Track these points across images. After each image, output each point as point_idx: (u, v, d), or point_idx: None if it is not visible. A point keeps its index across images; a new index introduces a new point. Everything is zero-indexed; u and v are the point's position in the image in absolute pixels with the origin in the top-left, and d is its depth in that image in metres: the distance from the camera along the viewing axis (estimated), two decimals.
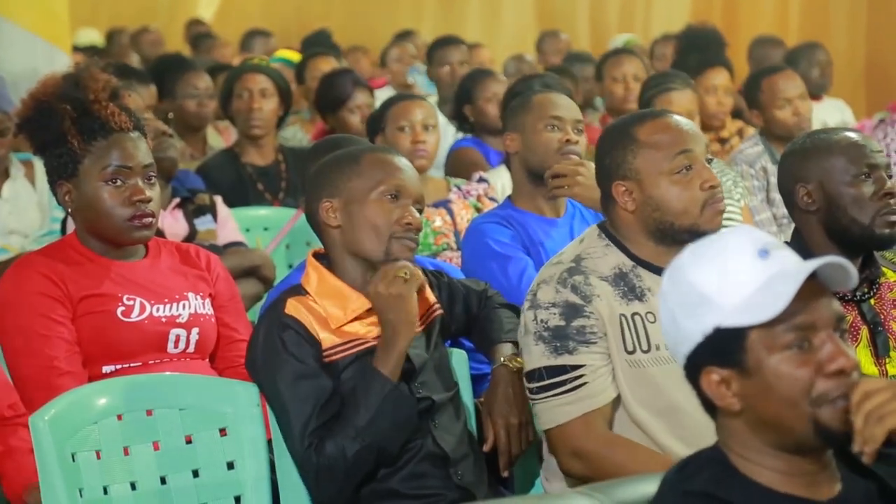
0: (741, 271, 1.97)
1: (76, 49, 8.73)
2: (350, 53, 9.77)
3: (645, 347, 2.89)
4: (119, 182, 3.18)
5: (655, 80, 5.48)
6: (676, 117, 3.01)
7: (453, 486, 2.97)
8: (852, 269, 1.98)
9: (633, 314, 2.90)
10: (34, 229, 5.04)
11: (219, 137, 6.67)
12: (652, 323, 2.89)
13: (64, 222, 4.50)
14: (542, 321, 2.91)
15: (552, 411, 2.91)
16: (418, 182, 3.04)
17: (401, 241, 2.96)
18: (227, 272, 3.43)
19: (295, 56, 7.97)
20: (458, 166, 5.52)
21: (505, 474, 3.11)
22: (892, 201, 3.11)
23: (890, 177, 3.14)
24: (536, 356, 2.92)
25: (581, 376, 2.87)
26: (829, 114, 7.34)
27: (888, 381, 1.94)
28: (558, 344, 2.89)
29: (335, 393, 2.90)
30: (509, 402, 3.06)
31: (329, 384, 2.89)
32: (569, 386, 2.88)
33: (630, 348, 2.89)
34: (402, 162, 3.03)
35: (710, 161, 2.99)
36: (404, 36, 10.29)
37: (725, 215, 4.64)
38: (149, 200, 3.19)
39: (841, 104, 7.83)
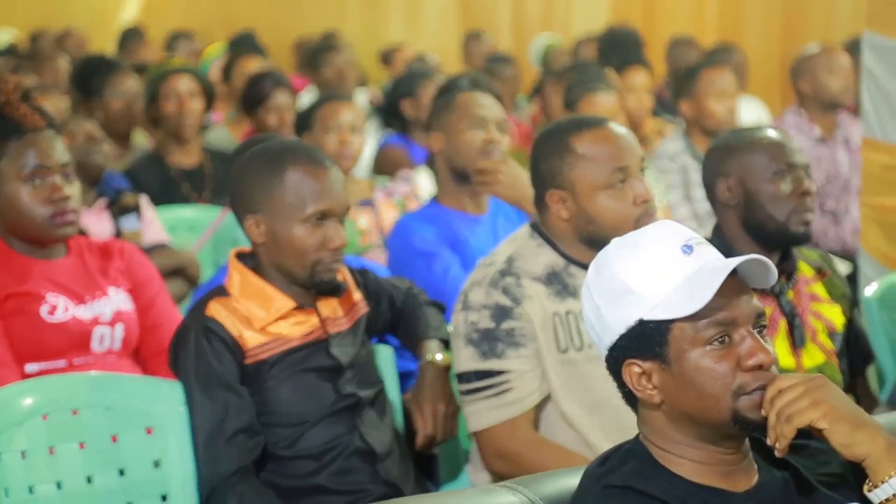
0: (665, 265, 2.01)
1: None
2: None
3: (578, 345, 2.92)
4: (38, 181, 3.17)
5: (577, 80, 5.46)
6: (614, 128, 2.99)
7: (380, 482, 2.99)
8: (772, 268, 2.02)
9: (567, 312, 2.93)
10: None
11: (144, 137, 6.61)
12: None
13: None
14: (472, 323, 2.93)
15: (479, 414, 2.94)
16: (343, 192, 2.98)
17: (326, 264, 2.96)
18: (142, 256, 3.40)
19: (223, 49, 8.00)
20: (385, 164, 5.55)
21: (420, 450, 3.13)
22: (807, 201, 3.16)
23: (809, 176, 3.19)
24: (465, 359, 2.95)
25: (506, 382, 2.91)
26: (745, 113, 7.44)
27: (801, 377, 1.98)
28: (487, 347, 2.91)
29: (247, 406, 2.91)
30: (436, 392, 3.09)
31: (241, 398, 2.91)
32: (495, 390, 2.91)
33: (563, 347, 2.91)
34: (328, 175, 2.96)
35: (642, 170, 2.99)
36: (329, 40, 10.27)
37: None
38: (69, 198, 3.18)
39: (757, 103, 7.94)
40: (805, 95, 5.87)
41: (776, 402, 1.96)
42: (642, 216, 2.93)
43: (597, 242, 2.93)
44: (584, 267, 2.92)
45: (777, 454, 1.98)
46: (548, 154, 2.99)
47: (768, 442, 1.98)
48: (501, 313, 2.91)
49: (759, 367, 1.99)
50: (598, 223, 2.93)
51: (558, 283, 2.94)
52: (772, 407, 1.96)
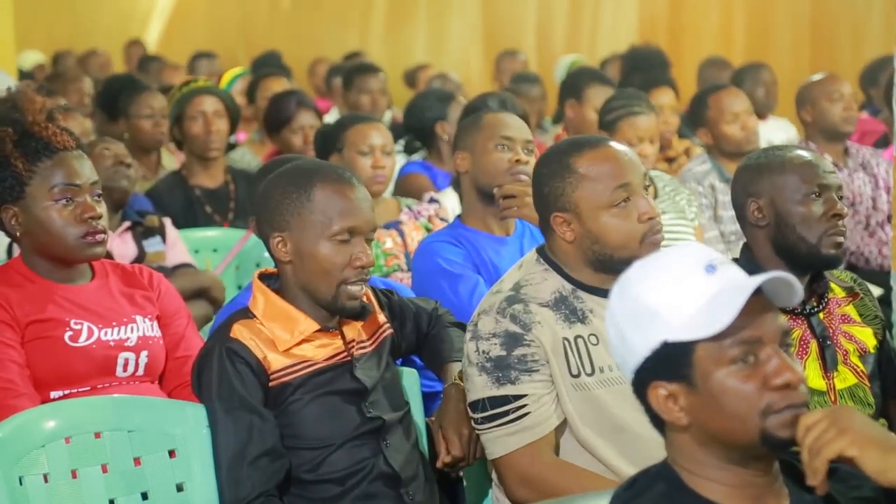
0: (688, 286, 1.99)
1: (21, 73, 8.67)
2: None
3: (589, 370, 2.89)
4: (68, 201, 3.16)
5: (618, 102, 5.35)
6: (615, 146, 2.99)
7: None
8: (797, 285, 2.00)
9: (576, 337, 2.91)
10: None
11: (172, 158, 6.62)
12: (595, 345, 2.90)
13: (10, 247, 4.46)
14: (483, 352, 2.91)
15: (497, 441, 2.92)
16: (371, 211, 2.97)
17: (352, 283, 2.94)
18: (170, 287, 3.40)
19: (243, 70, 8.02)
20: (408, 191, 5.52)
21: (442, 469, 3.10)
22: (839, 223, 3.13)
23: (840, 198, 3.16)
24: (479, 387, 2.93)
25: (524, 406, 2.88)
26: (775, 133, 7.41)
27: (826, 411, 1.96)
28: (500, 374, 2.89)
29: (271, 429, 2.90)
30: (461, 415, 3.06)
31: (265, 421, 2.89)
32: (512, 416, 2.89)
33: (574, 372, 2.89)
34: (356, 194, 2.95)
35: (646, 188, 2.98)
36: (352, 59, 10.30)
37: (679, 234, 4.70)
38: (100, 217, 3.18)
39: (786, 123, 7.92)
40: (807, 124, 5.84)
41: (806, 439, 1.94)
42: (648, 232, 2.92)
43: (603, 263, 2.92)
44: (592, 291, 2.93)
45: (818, 492, 1.95)
46: (550, 177, 2.99)
47: (807, 482, 1.95)
48: (512, 341, 2.89)
49: (787, 386, 1.97)
50: (603, 242, 2.92)
51: (566, 308, 2.93)
52: (803, 445, 1.94)
